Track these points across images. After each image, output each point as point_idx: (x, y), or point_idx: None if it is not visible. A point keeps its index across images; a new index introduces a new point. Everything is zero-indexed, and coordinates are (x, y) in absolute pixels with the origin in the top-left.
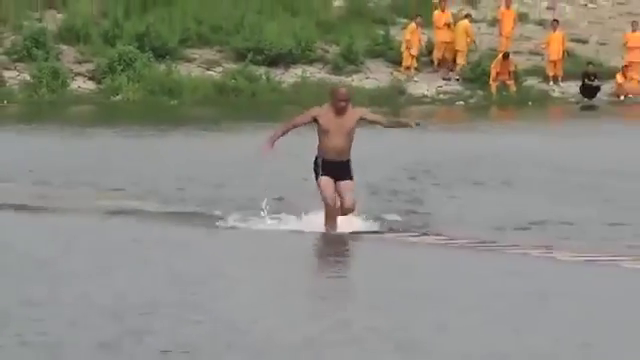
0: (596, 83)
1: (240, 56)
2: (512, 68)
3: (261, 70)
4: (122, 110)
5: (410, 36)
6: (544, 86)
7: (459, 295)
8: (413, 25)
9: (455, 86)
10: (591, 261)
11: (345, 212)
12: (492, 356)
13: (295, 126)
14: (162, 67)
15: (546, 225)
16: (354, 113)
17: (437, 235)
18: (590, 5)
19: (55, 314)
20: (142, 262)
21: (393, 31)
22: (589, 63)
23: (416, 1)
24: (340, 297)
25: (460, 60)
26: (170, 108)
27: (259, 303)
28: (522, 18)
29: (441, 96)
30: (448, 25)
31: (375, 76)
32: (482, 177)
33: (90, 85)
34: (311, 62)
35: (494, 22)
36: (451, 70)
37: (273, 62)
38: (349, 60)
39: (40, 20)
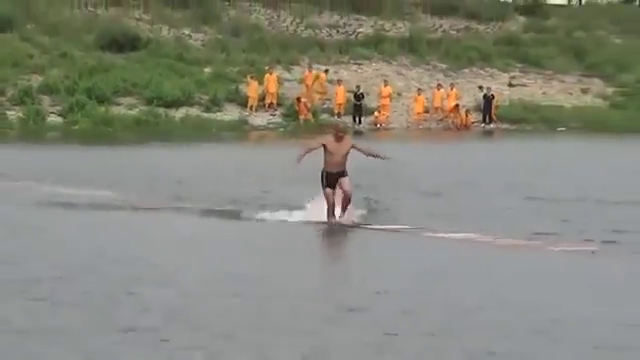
0: (362, 102)
1: (149, 101)
2: (309, 108)
3: (161, 110)
4: (79, 135)
5: (249, 88)
6: (332, 119)
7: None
8: (254, 83)
9: (278, 119)
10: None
11: (346, 194)
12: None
13: (311, 149)
14: (102, 108)
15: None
16: (349, 142)
17: None
18: (358, 70)
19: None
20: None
21: (241, 86)
22: (358, 87)
23: (253, 69)
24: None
25: (272, 100)
26: (108, 133)
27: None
28: (317, 77)
29: (270, 125)
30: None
31: (230, 113)
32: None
33: (59, 119)
34: (191, 105)
35: (301, 80)
36: (275, 109)
37: (168, 105)
38: (214, 103)
39: (29, 80)
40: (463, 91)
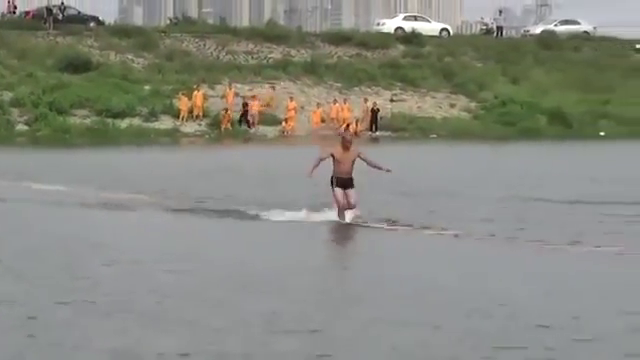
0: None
1: (99, 113)
2: (229, 119)
3: (109, 120)
4: (42, 140)
5: (181, 103)
6: (250, 128)
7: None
8: (184, 98)
9: (204, 128)
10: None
11: (352, 207)
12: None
13: (322, 159)
14: (61, 119)
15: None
16: (355, 150)
17: None
18: (270, 88)
19: None
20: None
21: (174, 101)
22: (253, 96)
23: (184, 87)
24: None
25: (199, 112)
26: (65, 139)
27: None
28: (237, 94)
29: (197, 133)
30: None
31: (165, 123)
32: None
33: (25, 127)
34: (134, 116)
35: (223, 96)
36: (201, 120)
37: (115, 116)
38: (152, 115)
39: (1, 95)
40: (354, 105)
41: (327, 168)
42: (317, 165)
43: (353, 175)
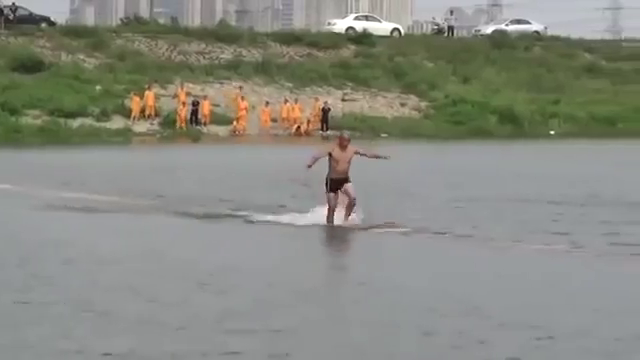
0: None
1: (51, 113)
2: (183, 118)
3: (61, 120)
4: None
5: (133, 102)
6: (202, 127)
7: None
8: (136, 98)
9: (156, 127)
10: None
11: (351, 201)
12: None
13: (318, 157)
14: (13, 118)
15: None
16: (352, 149)
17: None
18: (221, 88)
19: None
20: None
21: (125, 101)
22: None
23: (135, 87)
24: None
25: (151, 112)
26: (18, 137)
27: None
28: (189, 94)
29: (149, 132)
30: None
31: (117, 123)
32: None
33: None
34: (86, 116)
35: (175, 96)
36: (153, 119)
37: (67, 116)
38: (104, 115)
39: None
40: (305, 104)
41: (321, 168)
42: (314, 161)
43: (350, 174)
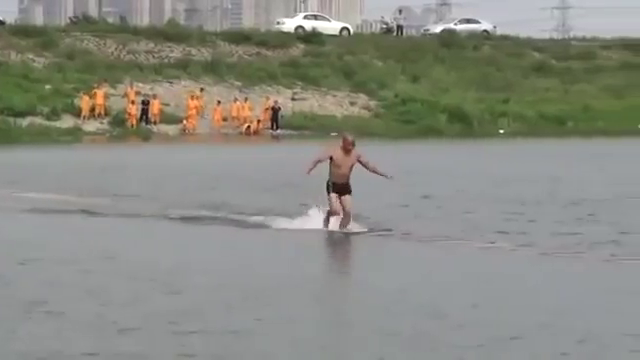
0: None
1: (1, 112)
2: (134, 117)
3: (11, 119)
4: None
5: (82, 101)
6: (152, 126)
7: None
8: (86, 97)
9: (106, 126)
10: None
11: (347, 214)
12: None
13: (320, 161)
14: None
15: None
16: (355, 154)
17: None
18: (170, 87)
19: None
20: None
21: (75, 100)
22: (154, 95)
23: (85, 86)
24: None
25: (101, 111)
26: None
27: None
28: (138, 94)
29: (99, 131)
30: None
31: (67, 122)
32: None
33: None
34: (35, 115)
35: (124, 95)
36: (103, 119)
37: (17, 115)
38: (54, 114)
39: None
40: (255, 103)
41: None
42: (314, 165)
43: (350, 181)
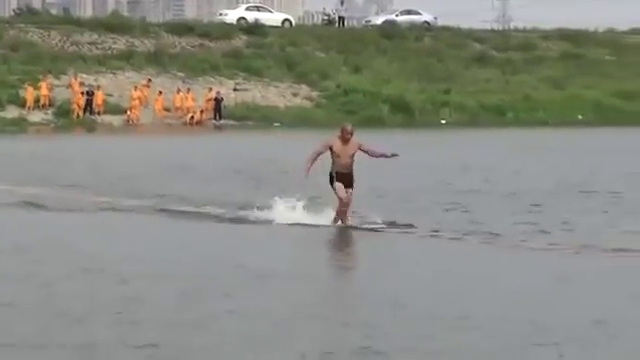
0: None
1: None
2: (80, 107)
3: None
4: None
5: (27, 92)
6: (96, 117)
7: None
8: (30, 88)
9: (50, 117)
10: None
11: (347, 204)
12: None
13: (319, 154)
14: None
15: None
16: (355, 143)
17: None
18: (114, 78)
19: None
20: None
21: (20, 91)
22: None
23: (29, 77)
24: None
25: (46, 101)
26: None
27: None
28: (82, 84)
29: (44, 122)
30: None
31: (11, 113)
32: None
33: None
34: None
35: (68, 86)
36: (48, 109)
37: None
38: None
39: None
40: (198, 94)
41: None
42: (314, 160)
43: (353, 170)
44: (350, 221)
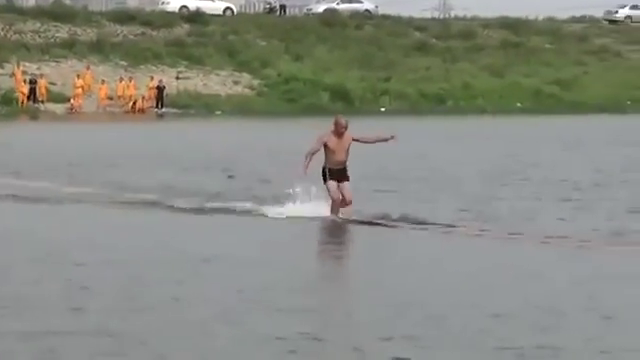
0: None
1: None
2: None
3: None
4: None
5: None
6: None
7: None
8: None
9: None
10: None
11: (347, 202)
12: None
13: (315, 151)
14: None
15: None
16: (349, 136)
17: None
18: (57, 66)
19: None
20: None
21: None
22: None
23: None
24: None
25: None
26: None
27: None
28: (25, 73)
29: None
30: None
31: None
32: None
33: None
34: None
35: (12, 75)
36: None
37: None
38: None
39: None
40: (140, 83)
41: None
42: (310, 159)
43: (348, 164)
44: (350, 209)
